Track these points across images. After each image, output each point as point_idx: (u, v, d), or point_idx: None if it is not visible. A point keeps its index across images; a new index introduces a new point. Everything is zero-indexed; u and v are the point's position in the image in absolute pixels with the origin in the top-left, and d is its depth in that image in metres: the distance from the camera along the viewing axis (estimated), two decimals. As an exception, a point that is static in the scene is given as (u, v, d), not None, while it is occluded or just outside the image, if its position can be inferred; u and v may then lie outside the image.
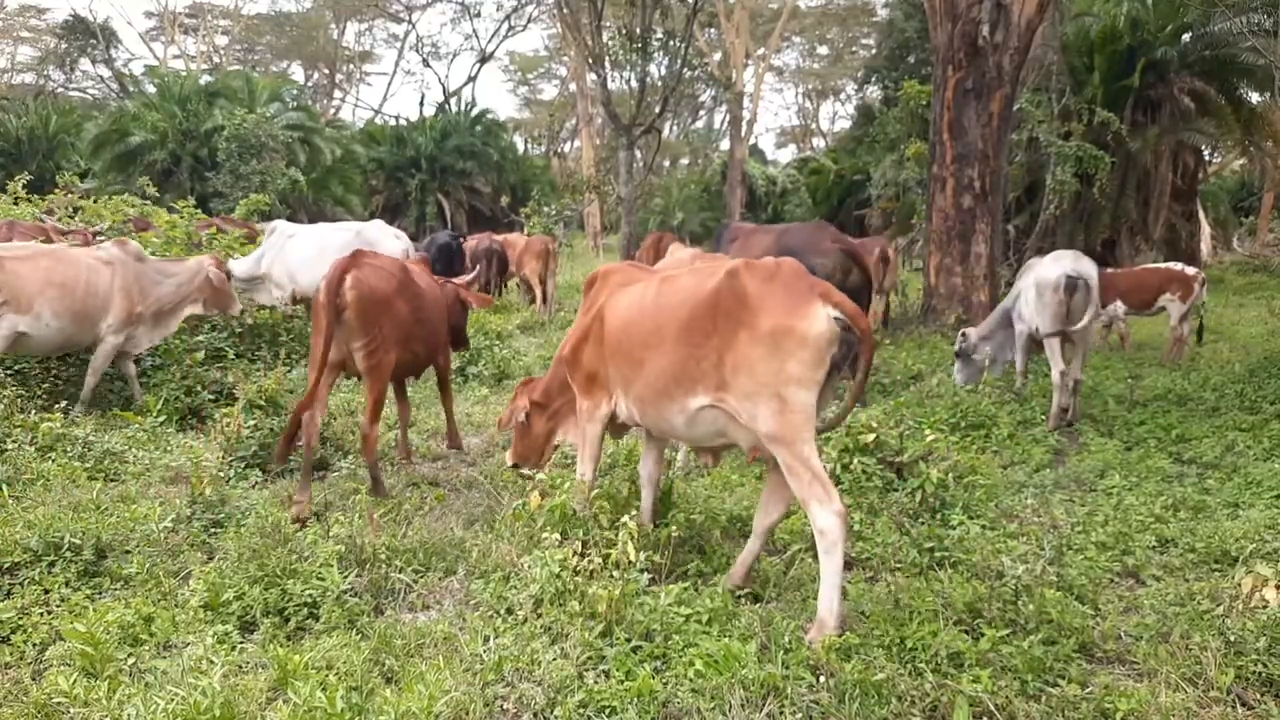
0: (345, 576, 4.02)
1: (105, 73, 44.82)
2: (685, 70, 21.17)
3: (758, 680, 3.20)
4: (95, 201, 14.04)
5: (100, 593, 4.06)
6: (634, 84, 20.53)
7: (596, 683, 3.25)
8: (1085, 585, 4.16)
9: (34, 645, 3.56)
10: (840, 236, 9.26)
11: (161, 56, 46.16)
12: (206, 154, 24.61)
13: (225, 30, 49.36)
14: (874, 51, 35.29)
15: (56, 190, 14.40)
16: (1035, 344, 8.22)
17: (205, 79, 29.51)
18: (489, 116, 36.64)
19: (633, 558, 3.83)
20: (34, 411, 6.29)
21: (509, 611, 3.82)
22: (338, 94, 51.38)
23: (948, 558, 4.43)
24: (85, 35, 43.11)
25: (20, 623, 3.70)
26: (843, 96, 54.04)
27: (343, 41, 49.84)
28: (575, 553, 3.88)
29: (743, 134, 35.26)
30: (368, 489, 5.50)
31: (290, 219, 19.50)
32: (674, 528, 4.33)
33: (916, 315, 12.53)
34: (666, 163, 48.84)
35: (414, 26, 47.70)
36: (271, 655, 3.40)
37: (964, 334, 8.63)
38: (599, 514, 4.29)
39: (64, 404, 6.76)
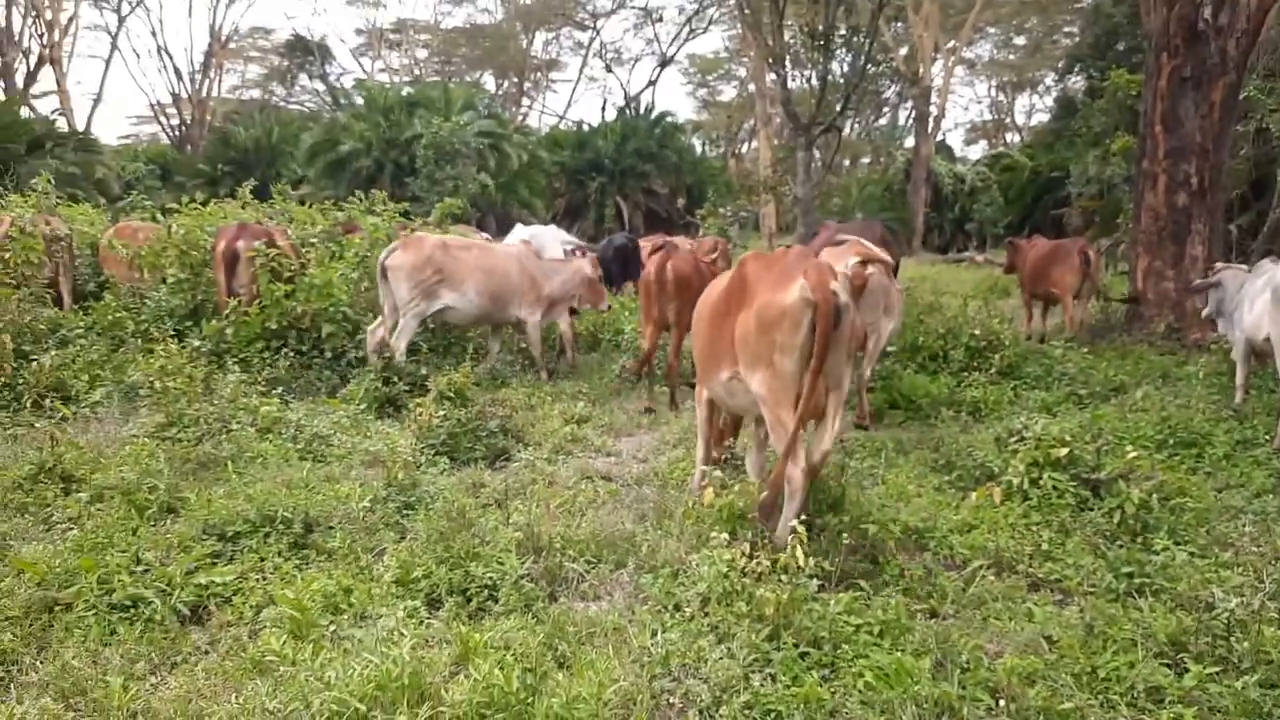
0: (522, 562, 4.20)
1: (320, 87, 48.98)
2: (869, 66, 20.62)
3: (931, 698, 3.09)
4: (310, 207, 15.32)
5: (307, 563, 4.42)
6: (814, 82, 20.20)
7: (763, 685, 3.23)
8: (1314, 626, 3.73)
9: (251, 607, 3.93)
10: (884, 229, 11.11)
11: (369, 70, 49.87)
12: (407, 161, 26.34)
13: (426, 44, 52.66)
14: (1077, 39, 33.07)
15: (276, 197, 15.86)
16: (1257, 355, 7.44)
17: (407, 90, 31.56)
18: (668, 119, 37.13)
19: (801, 563, 3.77)
20: (255, 396, 6.94)
21: (677, 608, 3.86)
22: (525, 101, 53.60)
23: (1149, 585, 4.09)
24: (304, 53, 47.29)
25: (240, 586, 4.10)
26: (1040, 89, 50.93)
27: (531, 50, 51.94)
28: (743, 554, 3.87)
29: (929, 130, 33.91)
30: (546, 480, 5.74)
31: (479, 222, 20.59)
32: (845, 535, 4.24)
33: (1120, 322, 11.62)
34: (846, 162, 47.75)
35: (598, 33, 49.09)
36: (455, 632, 3.60)
37: (1218, 268, 8.56)
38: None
39: (280, 390, 7.44)
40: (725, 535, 4.10)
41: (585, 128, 38.62)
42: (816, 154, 20.85)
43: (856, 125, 44.12)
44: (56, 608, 3.86)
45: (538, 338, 9.19)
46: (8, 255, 9.02)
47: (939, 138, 39.95)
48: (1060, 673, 3.32)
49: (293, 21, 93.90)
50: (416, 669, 3.22)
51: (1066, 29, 41.19)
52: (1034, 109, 54.69)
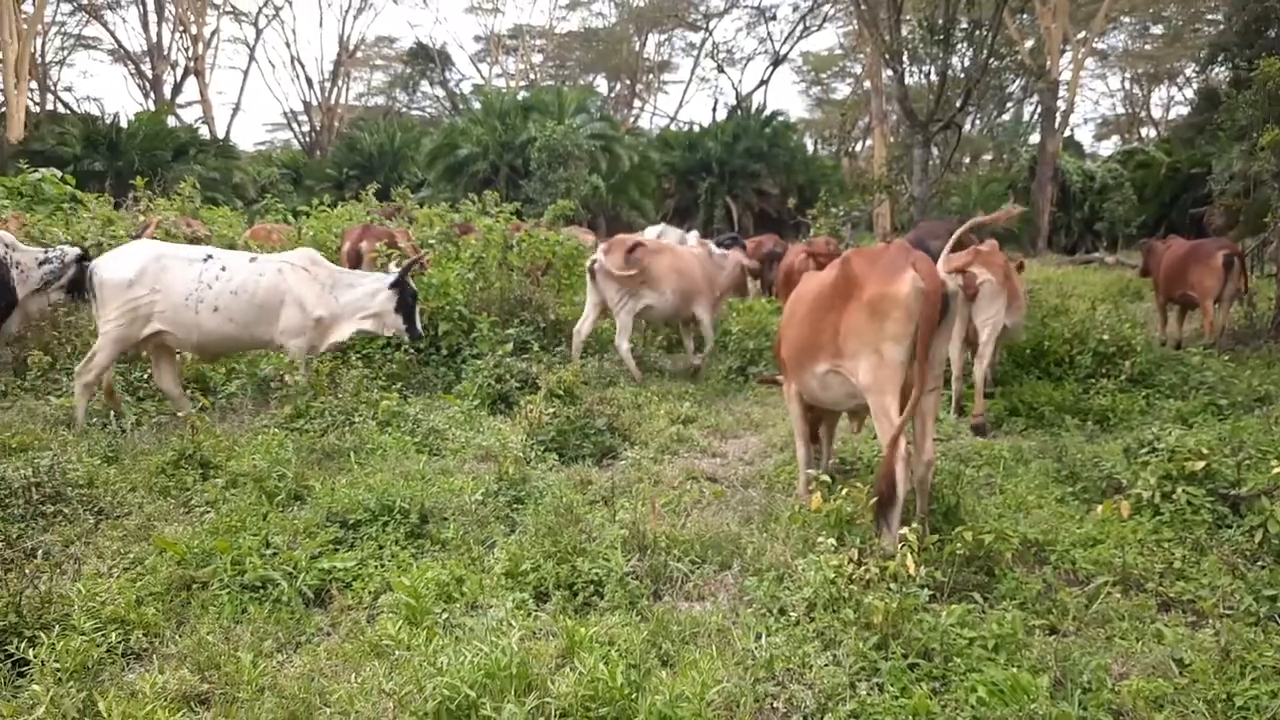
0: (628, 560, 4.23)
1: (440, 93, 50.66)
2: (992, 61, 19.85)
3: (1049, 717, 2.96)
4: (429, 209, 15.86)
5: (422, 553, 4.57)
6: (933, 78, 19.61)
7: (869, 695, 3.16)
8: None
9: (370, 593, 4.11)
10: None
11: (487, 76, 51.23)
12: (521, 164, 26.94)
13: (541, 49, 53.75)
14: (1222, 27, 30.99)
15: (395, 199, 16.50)
16: None
17: (522, 94, 32.30)
18: (780, 119, 36.71)
19: (912, 571, 3.68)
20: (376, 391, 7.23)
21: (781, 612, 3.82)
22: (637, 103, 54.02)
23: (1294, 610, 3.81)
24: (426, 60, 48.98)
25: (359, 572, 4.28)
26: (1180, 80, 48.07)
27: (643, 53, 52.31)
28: (851, 560, 3.80)
29: (1056, 126, 32.39)
30: (651, 479, 5.77)
31: (590, 224, 20.87)
32: (959, 545, 4.11)
33: (1266, 328, 10.85)
34: (966, 159, 46.09)
35: (711, 34, 49.01)
36: (561, 626, 3.66)
37: None
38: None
39: (399, 385, 7.73)
40: (832, 540, 4.03)
41: (696, 128, 38.61)
42: (934, 151, 20.24)
43: (978, 121, 42.55)
44: (194, 585, 4.12)
45: (710, 333, 9.76)
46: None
47: (1067, 133, 38.17)
48: (1191, 698, 3.13)
49: (416, 30, 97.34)
50: (524, 659, 3.29)
51: (1209, 16, 38.69)
52: (1172, 102, 51.69)
